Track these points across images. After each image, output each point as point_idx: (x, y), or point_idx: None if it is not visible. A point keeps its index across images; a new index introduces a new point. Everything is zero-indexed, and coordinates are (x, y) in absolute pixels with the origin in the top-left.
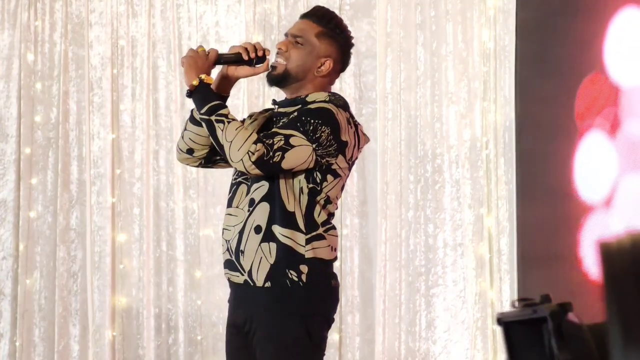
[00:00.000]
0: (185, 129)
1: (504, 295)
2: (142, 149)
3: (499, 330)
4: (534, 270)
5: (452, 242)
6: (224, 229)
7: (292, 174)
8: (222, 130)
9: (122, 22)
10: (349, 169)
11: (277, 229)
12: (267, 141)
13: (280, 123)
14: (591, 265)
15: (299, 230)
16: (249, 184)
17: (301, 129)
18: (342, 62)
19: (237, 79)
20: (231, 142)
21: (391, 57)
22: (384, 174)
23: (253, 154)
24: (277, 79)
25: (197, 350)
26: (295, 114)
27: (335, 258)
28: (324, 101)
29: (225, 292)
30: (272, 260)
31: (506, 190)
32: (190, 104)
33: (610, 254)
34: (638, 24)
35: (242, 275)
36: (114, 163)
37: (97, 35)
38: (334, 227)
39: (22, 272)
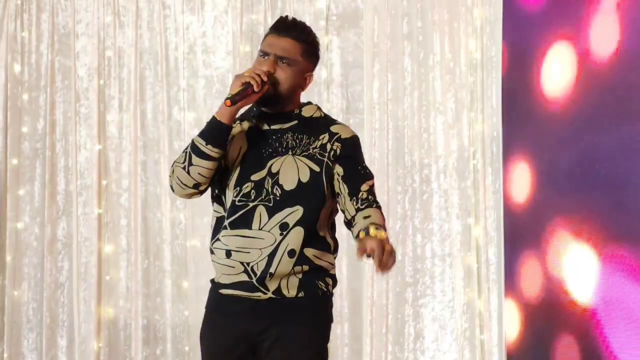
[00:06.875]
0: (190, 164)
1: (492, 305)
2: (129, 160)
3: (487, 340)
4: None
5: (441, 253)
6: (235, 250)
7: (331, 198)
8: None
9: (108, 33)
10: None
11: (310, 252)
12: (374, 197)
13: (312, 151)
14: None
15: (329, 251)
16: (272, 205)
17: (364, 164)
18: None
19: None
20: None
21: (378, 68)
22: None
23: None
24: (268, 101)
25: None
26: (345, 151)
27: None
28: (334, 122)
29: None
30: (300, 276)
31: (494, 200)
32: (177, 113)
33: None
34: None
35: (266, 294)
36: (100, 174)
37: (83, 46)
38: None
39: (9, 283)
